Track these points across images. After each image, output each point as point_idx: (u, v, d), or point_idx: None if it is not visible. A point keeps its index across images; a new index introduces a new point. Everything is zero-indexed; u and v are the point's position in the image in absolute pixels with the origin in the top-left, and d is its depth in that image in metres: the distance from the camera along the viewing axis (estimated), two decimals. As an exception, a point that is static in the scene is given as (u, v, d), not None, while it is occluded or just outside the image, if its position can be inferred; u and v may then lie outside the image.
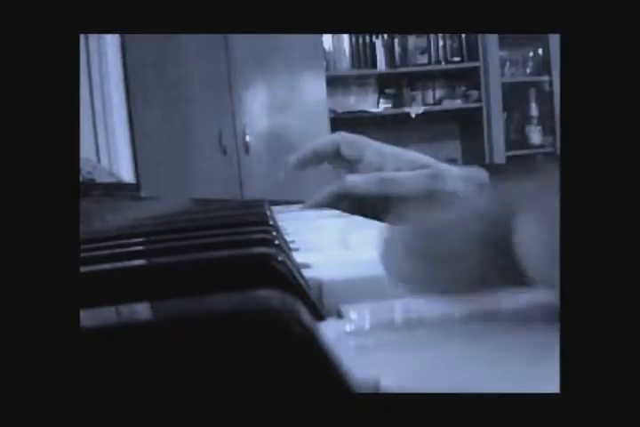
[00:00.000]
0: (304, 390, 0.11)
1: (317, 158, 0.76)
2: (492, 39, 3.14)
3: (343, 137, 0.76)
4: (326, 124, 2.88)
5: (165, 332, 0.12)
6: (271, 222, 0.42)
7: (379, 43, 3.22)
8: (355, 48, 3.22)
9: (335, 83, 3.14)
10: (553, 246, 0.16)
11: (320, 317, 0.20)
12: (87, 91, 2.06)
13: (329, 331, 0.16)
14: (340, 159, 0.75)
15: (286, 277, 0.21)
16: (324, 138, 0.78)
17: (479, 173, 0.66)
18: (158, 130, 2.76)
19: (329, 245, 0.41)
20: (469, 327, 0.17)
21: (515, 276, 0.17)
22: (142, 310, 0.14)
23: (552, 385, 0.12)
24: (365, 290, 0.25)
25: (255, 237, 0.29)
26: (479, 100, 3.20)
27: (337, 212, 0.74)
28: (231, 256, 0.22)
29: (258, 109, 2.88)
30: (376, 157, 0.71)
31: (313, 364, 0.11)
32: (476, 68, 3.20)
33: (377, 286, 0.25)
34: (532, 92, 3.30)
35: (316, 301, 0.22)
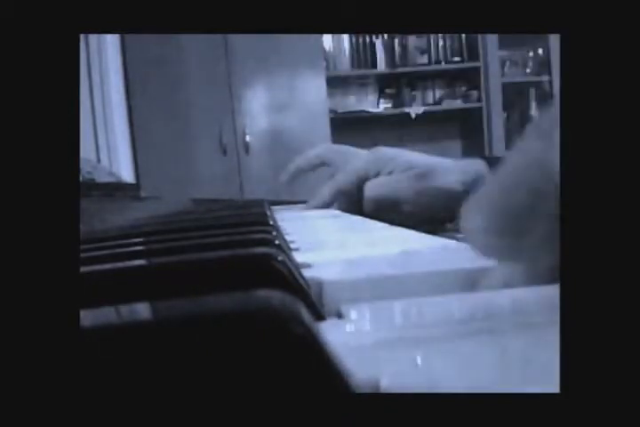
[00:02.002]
0: (304, 390, 0.11)
1: (304, 172, 0.82)
2: (492, 39, 3.14)
3: (327, 149, 0.80)
4: (326, 124, 2.88)
5: (165, 332, 0.12)
6: (271, 222, 0.42)
7: (379, 43, 3.22)
8: (355, 48, 3.22)
9: (335, 83, 3.14)
10: None
11: (320, 317, 0.20)
12: (87, 91, 2.07)
13: (329, 331, 0.16)
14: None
15: (286, 277, 0.21)
16: (310, 152, 0.82)
17: (477, 165, 0.67)
18: (158, 130, 2.76)
19: (329, 245, 0.41)
20: (469, 327, 0.17)
21: None
22: (142, 310, 0.14)
23: (552, 385, 0.12)
24: (365, 290, 0.25)
25: (255, 237, 0.29)
26: (479, 100, 3.20)
27: (337, 212, 0.74)
28: (231, 256, 0.22)
29: (258, 109, 2.88)
30: (363, 164, 0.74)
31: (313, 364, 0.11)
32: (476, 68, 3.21)
33: (377, 286, 0.25)
34: (532, 92, 3.30)
35: (316, 301, 0.22)
